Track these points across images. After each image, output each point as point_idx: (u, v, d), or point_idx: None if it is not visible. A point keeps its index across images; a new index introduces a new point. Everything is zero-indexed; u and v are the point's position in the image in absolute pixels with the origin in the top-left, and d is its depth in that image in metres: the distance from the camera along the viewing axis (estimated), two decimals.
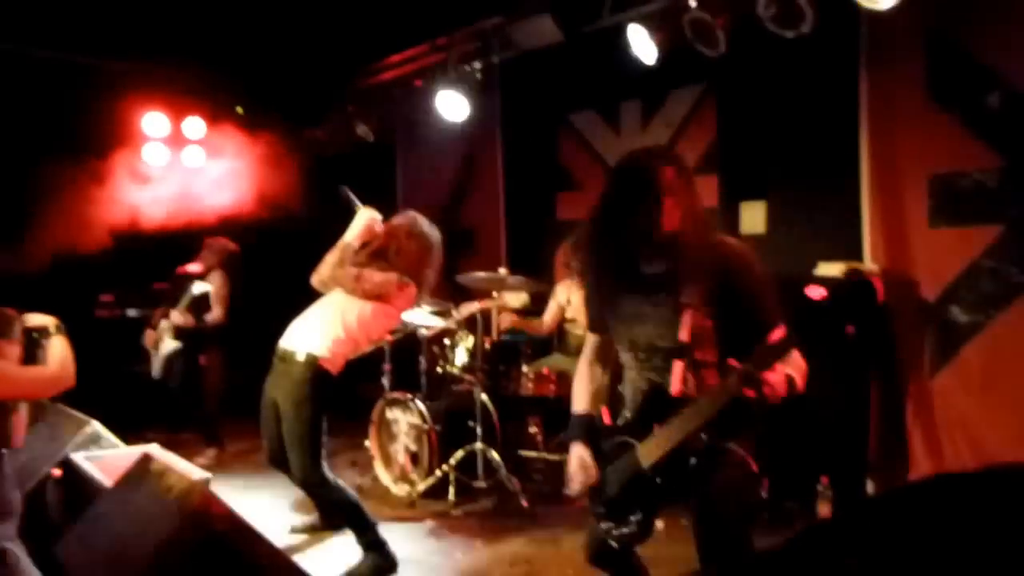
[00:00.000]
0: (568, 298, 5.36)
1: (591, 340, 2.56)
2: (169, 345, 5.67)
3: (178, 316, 5.62)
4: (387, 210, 8.61)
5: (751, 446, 2.26)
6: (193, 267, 5.81)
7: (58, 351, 2.64)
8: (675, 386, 2.20)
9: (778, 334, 2.12)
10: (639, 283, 2.27)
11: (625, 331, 2.36)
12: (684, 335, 2.19)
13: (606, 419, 2.47)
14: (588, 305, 2.56)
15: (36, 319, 2.70)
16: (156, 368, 5.75)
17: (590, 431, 2.44)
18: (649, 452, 2.22)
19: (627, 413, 2.41)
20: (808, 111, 4.86)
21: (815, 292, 1.93)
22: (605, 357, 2.54)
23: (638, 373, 2.37)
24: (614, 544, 2.33)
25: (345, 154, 7.27)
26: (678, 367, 2.20)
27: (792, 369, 2.13)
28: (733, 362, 2.08)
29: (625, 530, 2.31)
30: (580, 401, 2.51)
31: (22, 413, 2.60)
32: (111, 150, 5.93)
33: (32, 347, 2.64)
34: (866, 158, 4.62)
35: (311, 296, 6.02)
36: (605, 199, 2.28)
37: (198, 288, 5.57)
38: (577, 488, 2.42)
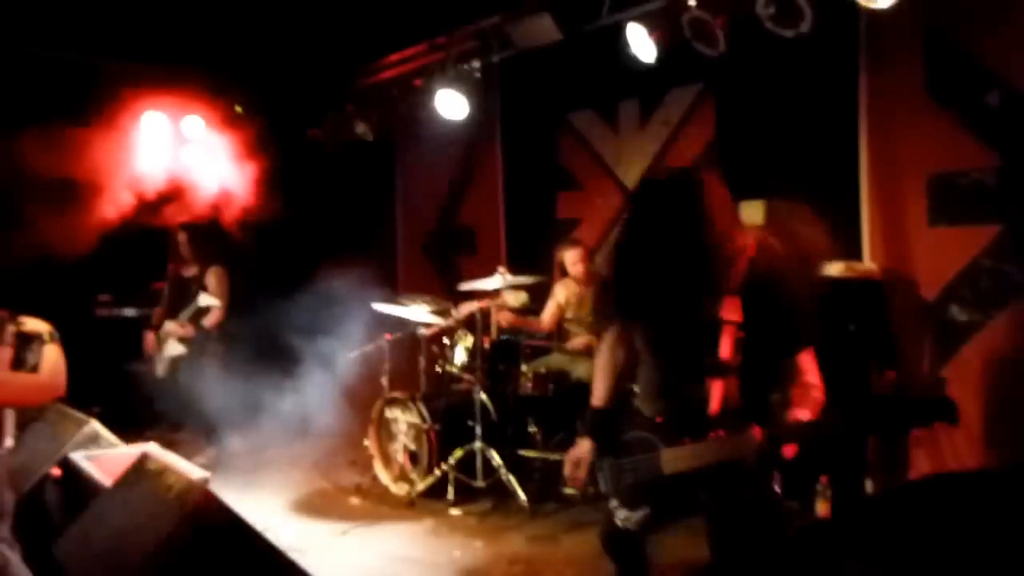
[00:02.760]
0: (567, 298, 5.36)
1: (615, 324, 2.52)
2: (174, 348, 5.65)
3: (180, 328, 5.59)
4: (386, 209, 8.67)
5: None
6: (191, 271, 5.78)
7: (51, 359, 2.62)
8: (713, 405, 2.18)
9: (805, 360, 2.16)
10: (675, 288, 2.22)
11: (652, 328, 2.34)
12: (725, 353, 2.17)
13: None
14: (616, 288, 2.51)
15: (31, 324, 2.68)
16: (160, 368, 5.74)
17: (603, 427, 2.43)
18: (673, 462, 2.21)
19: (644, 406, 2.39)
20: (807, 110, 4.85)
21: (886, 386, 1.94)
22: (628, 343, 2.49)
23: (655, 369, 2.36)
24: (619, 524, 2.35)
25: (344, 153, 7.27)
26: (718, 387, 2.18)
27: (807, 414, 2.13)
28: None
29: (632, 518, 2.34)
30: (599, 393, 2.49)
31: (7, 415, 2.60)
32: (111, 149, 5.92)
33: (23, 352, 2.62)
34: (865, 157, 4.62)
35: (308, 295, 6.03)
36: (633, 223, 2.26)
37: (203, 301, 5.52)
38: (568, 478, 2.44)
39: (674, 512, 2.36)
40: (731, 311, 2.15)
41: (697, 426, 2.19)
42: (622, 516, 2.35)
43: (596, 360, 2.56)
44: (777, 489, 2.26)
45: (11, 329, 2.60)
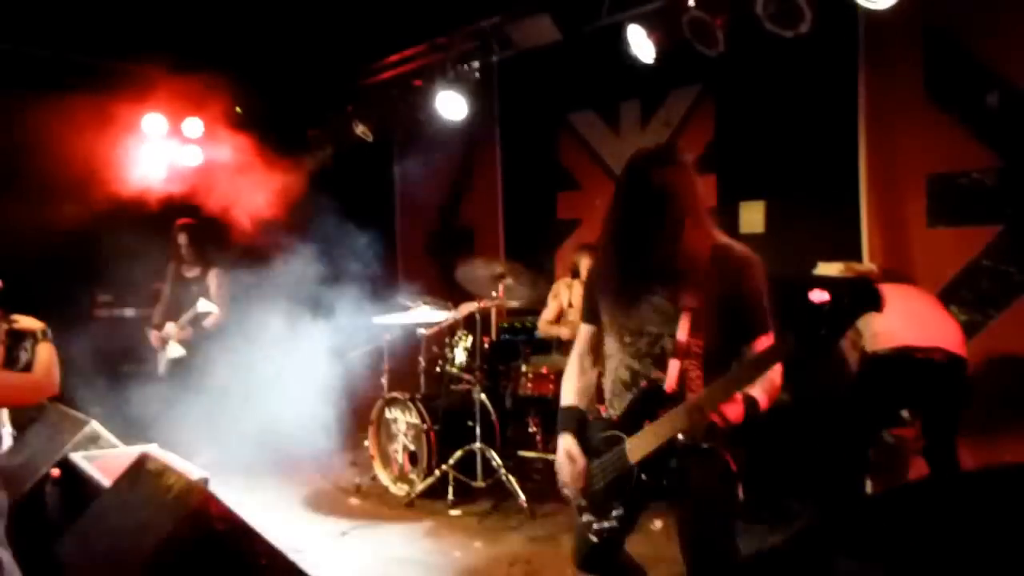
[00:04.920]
0: (570, 299, 5.36)
1: (583, 331, 2.58)
2: (175, 350, 5.65)
3: (178, 331, 5.58)
4: (386, 208, 8.64)
5: (747, 447, 2.27)
6: (193, 271, 5.76)
7: (44, 358, 2.61)
8: (669, 384, 2.22)
9: (762, 344, 2.18)
10: (641, 274, 2.29)
11: (617, 316, 2.38)
12: (683, 336, 2.22)
13: (600, 411, 2.50)
14: (585, 295, 2.58)
15: (23, 322, 2.67)
16: (162, 367, 5.73)
17: (577, 423, 2.47)
18: (637, 448, 2.24)
19: (611, 405, 2.43)
20: (807, 111, 4.86)
21: (817, 296, 1.93)
22: (596, 349, 2.55)
23: (619, 360, 2.39)
24: (594, 539, 2.34)
25: (344, 154, 7.27)
26: (674, 366, 2.23)
27: (759, 390, 2.14)
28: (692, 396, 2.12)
29: (605, 524, 2.33)
30: (568, 394, 2.56)
31: (2, 415, 2.59)
32: (110, 150, 5.92)
33: (15, 350, 2.62)
34: (864, 158, 4.63)
35: (307, 294, 6.01)
36: (612, 208, 2.32)
37: (203, 307, 5.50)
38: (566, 480, 2.43)
39: (646, 502, 2.36)
40: (692, 297, 2.20)
41: (654, 407, 2.22)
42: (595, 528, 2.34)
43: (567, 364, 2.62)
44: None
45: (3, 327, 2.59)
